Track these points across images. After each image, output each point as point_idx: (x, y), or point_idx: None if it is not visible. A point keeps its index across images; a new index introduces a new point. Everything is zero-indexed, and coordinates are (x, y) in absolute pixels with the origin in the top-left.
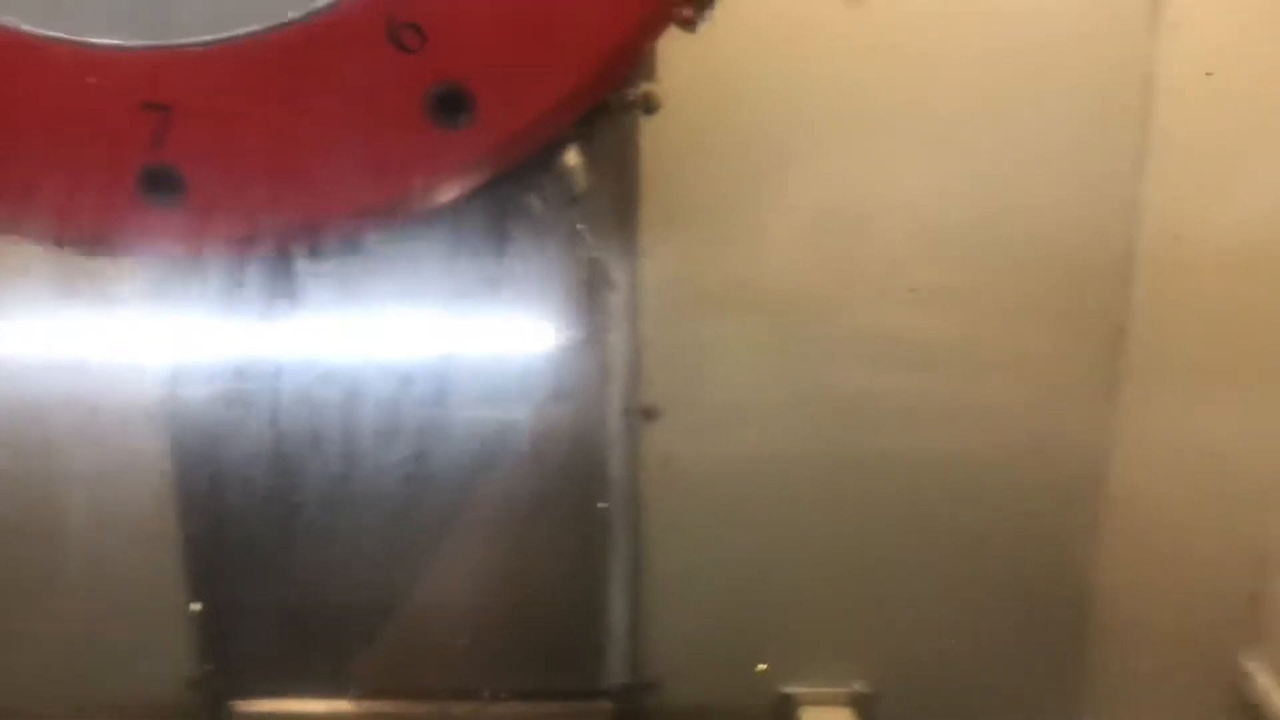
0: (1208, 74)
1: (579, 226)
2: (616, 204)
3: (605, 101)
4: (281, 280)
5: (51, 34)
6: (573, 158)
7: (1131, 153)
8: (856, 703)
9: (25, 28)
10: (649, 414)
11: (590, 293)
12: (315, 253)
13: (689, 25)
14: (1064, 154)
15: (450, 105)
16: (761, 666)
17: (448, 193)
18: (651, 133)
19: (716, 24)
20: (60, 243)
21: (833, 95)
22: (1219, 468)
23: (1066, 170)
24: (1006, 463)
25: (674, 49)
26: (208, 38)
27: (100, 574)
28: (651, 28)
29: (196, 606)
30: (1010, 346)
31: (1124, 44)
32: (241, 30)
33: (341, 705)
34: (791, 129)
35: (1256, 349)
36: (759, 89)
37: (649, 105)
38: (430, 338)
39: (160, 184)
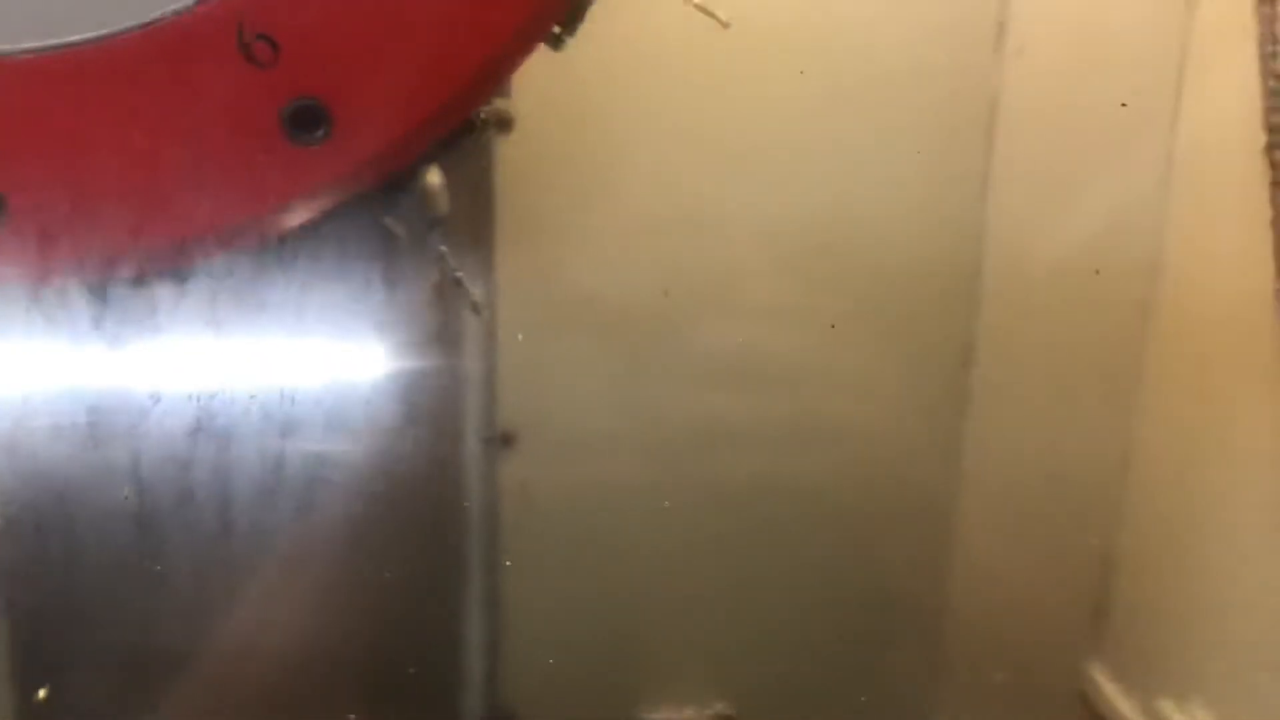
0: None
1: (441, 249)
2: (470, 223)
3: (468, 120)
4: (115, 306)
5: None
6: (434, 178)
7: (976, 176)
8: None
9: None
10: (505, 439)
11: (446, 315)
12: (152, 279)
13: (557, 44)
14: (911, 176)
15: (306, 122)
16: None
17: (303, 214)
18: (505, 151)
19: (571, 40)
20: None
21: (684, 116)
22: (1063, 484)
23: (913, 192)
24: (857, 483)
25: (527, 65)
26: (33, 45)
27: None
28: (520, 46)
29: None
30: (859, 367)
31: (969, 69)
32: (70, 38)
33: None
34: (644, 149)
35: (1096, 367)
36: (612, 107)
37: (503, 123)
38: (277, 364)
39: None
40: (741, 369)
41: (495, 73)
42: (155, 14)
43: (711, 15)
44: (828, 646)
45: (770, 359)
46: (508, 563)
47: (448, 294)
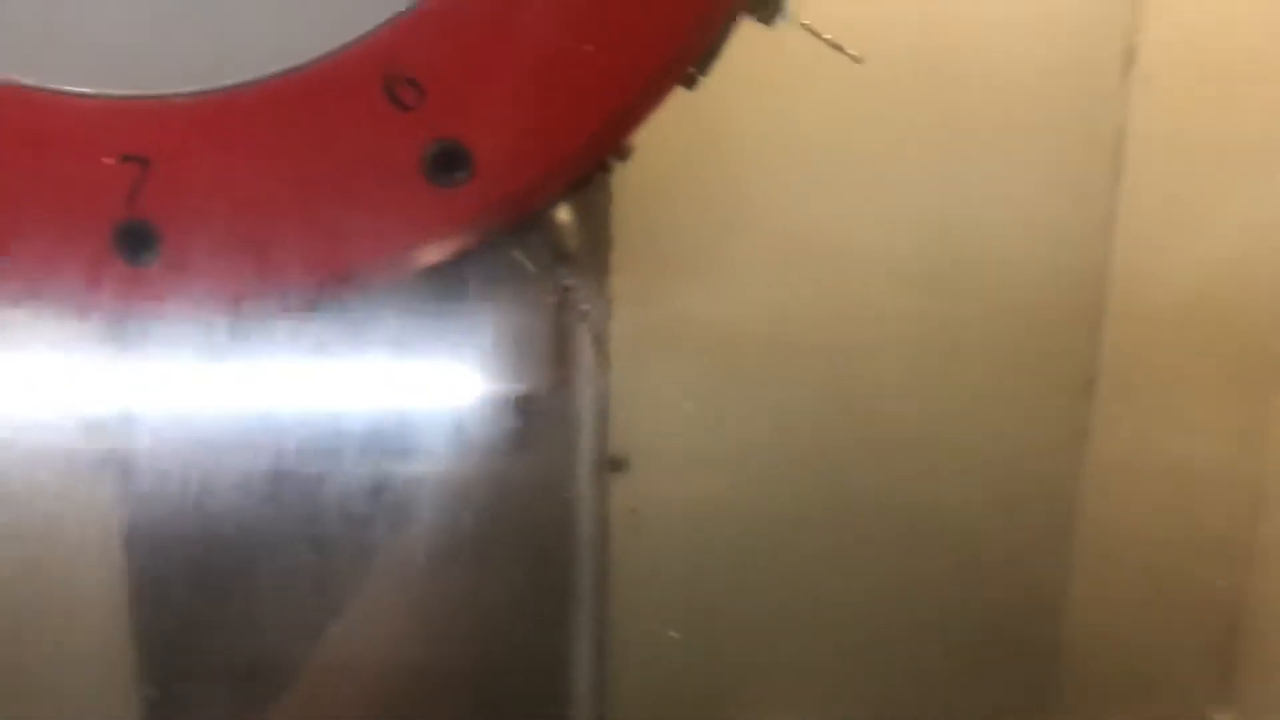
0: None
1: (568, 282)
2: (587, 249)
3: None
4: (250, 333)
5: (21, 81)
6: (564, 214)
7: (1103, 203)
8: None
9: (2, 76)
10: (616, 464)
11: (562, 344)
12: (293, 310)
13: (691, 83)
14: (1035, 202)
15: (448, 163)
16: None
17: (440, 252)
18: (623, 177)
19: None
20: (27, 299)
21: (805, 141)
22: (1188, 520)
23: (1038, 219)
24: (972, 512)
25: None
26: (193, 89)
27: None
28: (658, 88)
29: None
30: (977, 394)
31: (1097, 95)
32: (228, 82)
33: None
34: (763, 174)
35: (1225, 401)
36: (731, 133)
37: (621, 150)
38: (396, 390)
39: (135, 241)
40: (856, 394)
41: (633, 115)
42: (305, 58)
43: (842, 50)
44: (938, 677)
45: (886, 385)
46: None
47: (566, 324)
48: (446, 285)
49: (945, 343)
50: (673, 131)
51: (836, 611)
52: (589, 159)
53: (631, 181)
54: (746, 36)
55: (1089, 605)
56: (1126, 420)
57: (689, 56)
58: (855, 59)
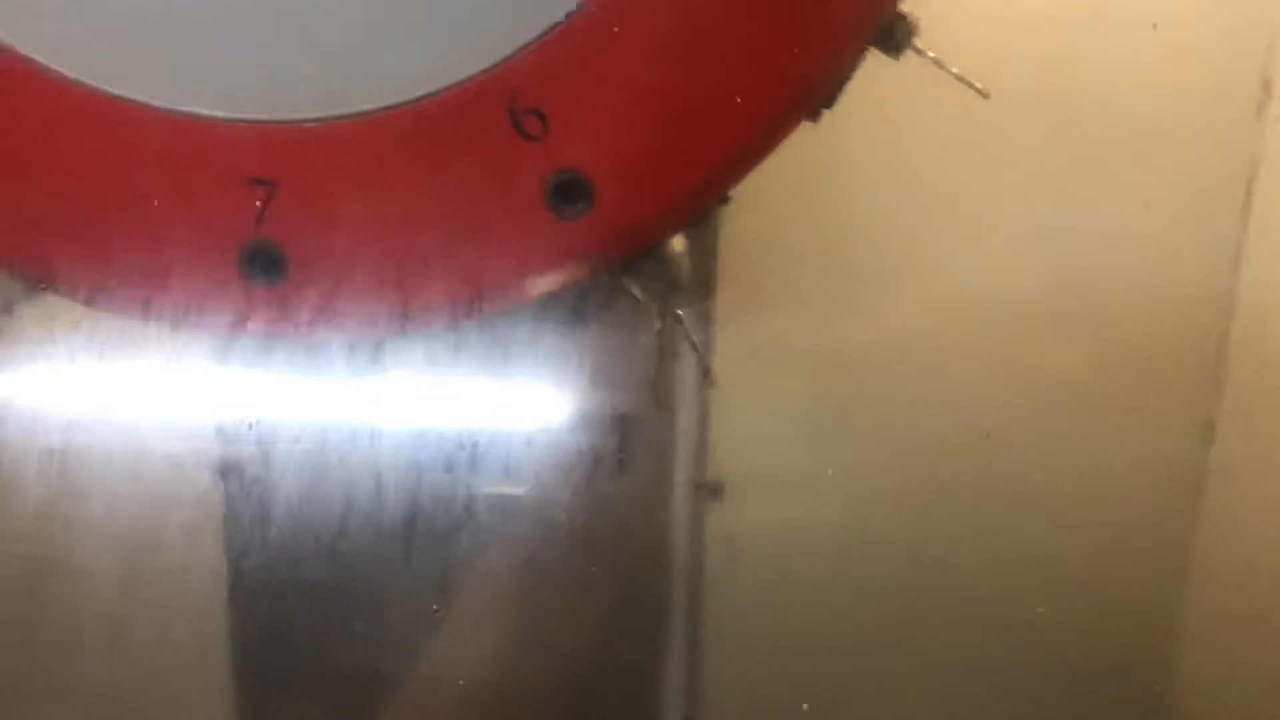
0: None
1: (678, 312)
2: (696, 274)
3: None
4: (365, 352)
5: (155, 103)
6: (678, 245)
7: (1229, 246)
8: None
9: (132, 97)
10: (714, 490)
11: (666, 370)
12: (411, 333)
13: (815, 116)
14: (1158, 243)
15: (570, 194)
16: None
17: (558, 282)
18: (730, 206)
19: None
20: (153, 316)
21: (923, 173)
22: None
23: (1159, 260)
24: (1078, 557)
25: None
26: (322, 114)
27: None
28: (783, 125)
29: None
30: (1094, 433)
31: (1229, 133)
32: (357, 108)
33: None
34: (877, 204)
35: None
36: (846, 162)
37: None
38: (500, 409)
39: (261, 262)
40: (963, 429)
41: (756, 151)
42: (433, 87)
43: (968, 84)
44: None
45: (994, 420)
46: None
47: (671, 350)
48: (554, 308)
49: (1059, 380)
50: (786, 157)
51: (935, 652)
52: (710, 194)
53: (742, 206)
54: (870, 67)
55: (1201, 656)
56: (1246, 467)
57: (816, 93)
58: (982, 93)
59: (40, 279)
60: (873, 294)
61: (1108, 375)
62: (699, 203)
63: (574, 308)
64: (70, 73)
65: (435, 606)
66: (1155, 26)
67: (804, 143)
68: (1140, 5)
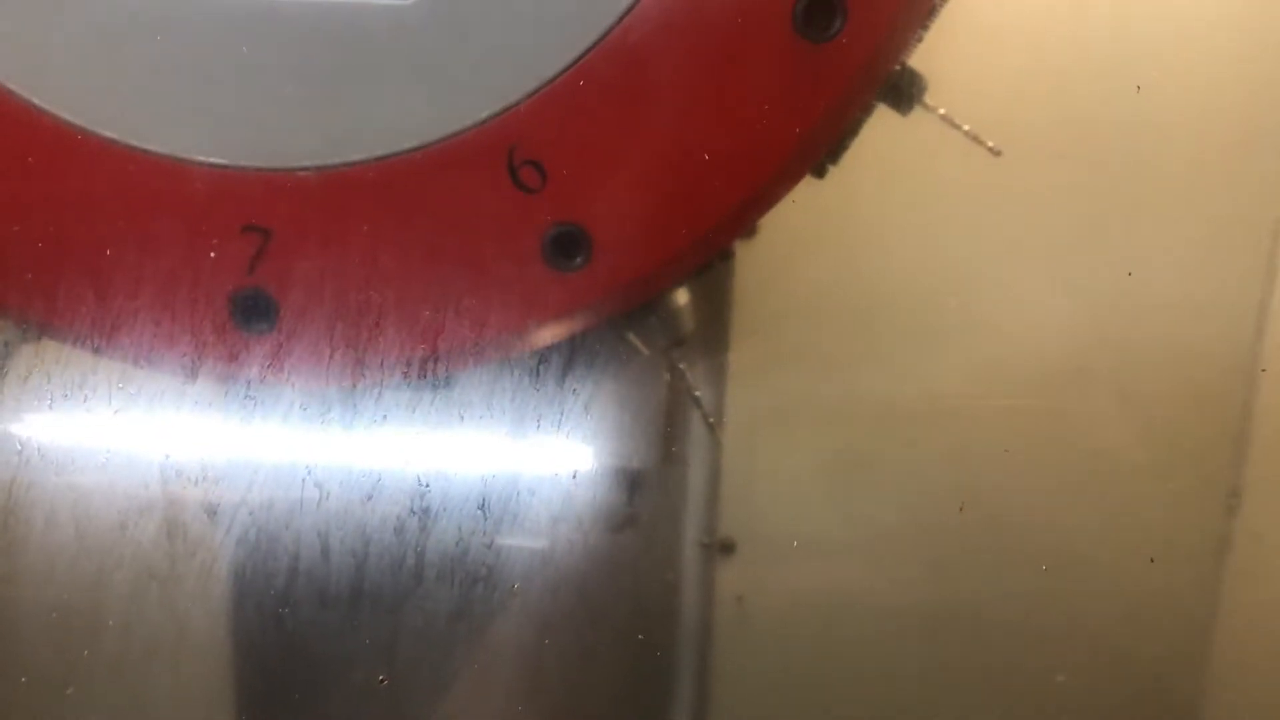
0: None
1: (680, 366)
2: (704, 328)
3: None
4: (361, 401)
5: (156, 149)
6: (680, 297)
7: (1254, 307)
8: None
9: (131, 143)
10: (724, 546)
11: (673, 424)
12: (405, 382)
13: (820, 172)
14: (1183, 297)
15: (567, 248)
16: None
17: (555, 334)
18: (745, 255)
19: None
20: (145, 359)
21: (935, 229)
22: None
23: (1184, 315)
24: (1100, 621)
25: None
26: (319, 163)
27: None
28: (786, 179)
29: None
30: (1109, 497)
31: (1258, 182)
32: (352, 158)
33: None
34: (889, 259)
35: None
36: (857, 217)
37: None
38: (502, 463)
39: (252, 309)
40: (980, 488)
41: (757, 206)
42: (430, 138)
43: (980, 142)
44: None
45: (1012, 479)
46: None
47: (677, 404)
48: (559, 361)
49: (1080, 440)
50: (797, 212)
51: (947, 712)
52: (710, 248)
53: (753, 259)
54: (880, 125)
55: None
56: (1273, 534)
57: (818, 148)
58: (993, 151)
59: (35, 321)
60: (888, 350)
61: (1131, 437)
62: (698, 256)
63: (581, 360)
64: (69, 117)
65: (381, 678)
66: (1169, 81)
67: (817, 198)
68: (1162, 60)
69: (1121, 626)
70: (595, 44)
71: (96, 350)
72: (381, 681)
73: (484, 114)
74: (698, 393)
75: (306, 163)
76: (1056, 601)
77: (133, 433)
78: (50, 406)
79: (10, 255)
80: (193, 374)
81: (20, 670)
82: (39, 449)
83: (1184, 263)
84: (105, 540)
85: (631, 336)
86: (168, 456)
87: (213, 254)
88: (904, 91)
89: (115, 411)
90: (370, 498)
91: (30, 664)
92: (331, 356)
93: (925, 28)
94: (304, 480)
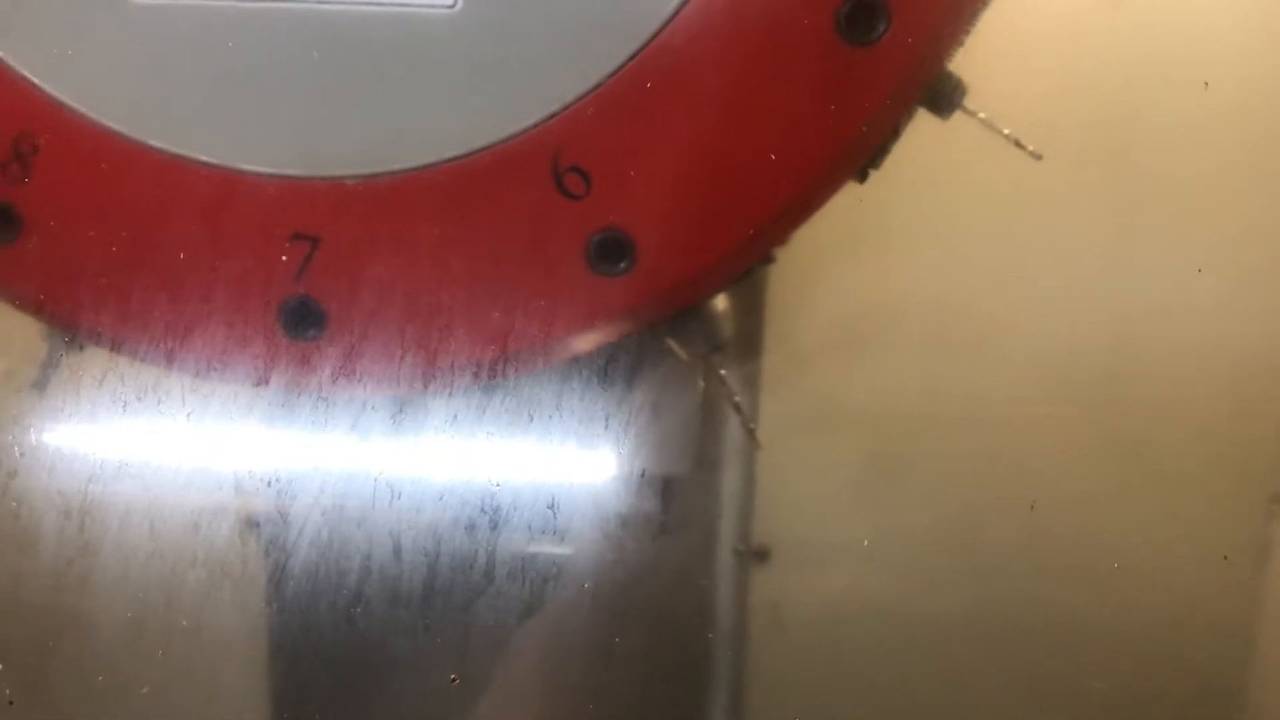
0: None
1: (721, 372)
2: (738, 333)
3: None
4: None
5: (203, 159)
6: (720, 303)
7: None
8: None
9: (179, 152)
10: (759, 554)
11: (710, 431)
12: (450, 388)
13: (862, 177)
14: (1217, 302)
15: (611, 253)
16: None
17: (598, 340)
18: (778, 261)
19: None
20: (194, 369)
21: (971, 233)
22: None
23: (1218, 320)
24: (1137, 629)
25: None
26: (365, 171)
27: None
28: (829, 184)
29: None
30: (1145, 504)
31: None
32: (399, 166)
33: None
34: (924, 263)
35: None
36: (892, 221)
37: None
38: (542, 468)
39: (300, 316)
40: (1016, 493)
41: (799, 212)
42: (475, 145)
43: (1020, 145)
44: None
45: (1049, 484)
46: None
47: (714, 409)
48: (597, 366)
49: (1119, 446)
50: (830, 216)
51: None
52: (753, 254)
53: (787, 264)
54: (919, 130)
55: None
56: None
57: (862, 152)
58: (1033, 155)
59: (84, 330)
60: (922, 356)
61: (1171, 442)
62: (741, 262)
63: (618, 366)
64: (118, 127)
65: (453, 676)
66: (1207, 85)
67: (853, 203)
68: (1193, 66)
69: (1162, 633)
70: (639, 50)
71: (146, 360)
72: (453, 680)
73: (528, 121)
74: (737, 398)
75: (353, 171)
76: (1095, 607)
77: (196, 438)
78: (124, 409)
79: (57, 265)
80: (242, 381)
81: (96, 669)
82: (109, 453)
83: (1223, 266)
84: (172, 542)
85: (671, 342)
86: (214, 461)
87: (262, 262)
88: (944, 95)
89: (187, 415)
90: (406, 506)
91: (105, 664)
92: (379, 363)
93: (968, 31)
94: (328, 489)
